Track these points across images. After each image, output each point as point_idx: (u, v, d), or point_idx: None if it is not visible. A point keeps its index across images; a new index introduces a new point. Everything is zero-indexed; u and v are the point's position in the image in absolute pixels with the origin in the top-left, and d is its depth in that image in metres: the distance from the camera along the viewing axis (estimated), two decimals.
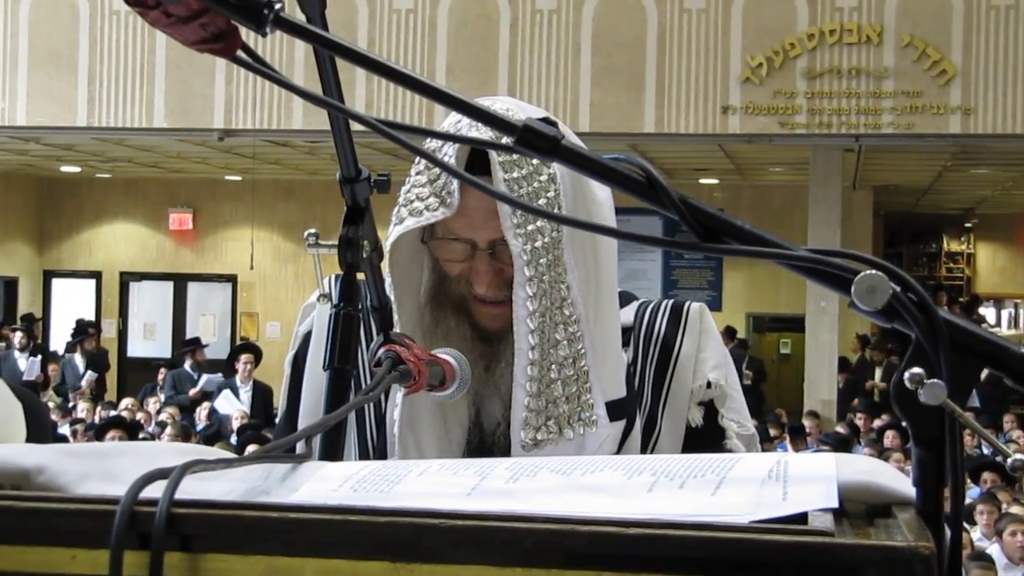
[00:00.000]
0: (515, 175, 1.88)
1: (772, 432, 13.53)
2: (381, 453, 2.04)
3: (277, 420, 2.25)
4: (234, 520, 0.98)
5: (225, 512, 0.99)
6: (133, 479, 1.00)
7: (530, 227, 1.89)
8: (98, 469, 1.12)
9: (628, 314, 2.13)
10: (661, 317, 2.14)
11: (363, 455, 2.08)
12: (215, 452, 1.22)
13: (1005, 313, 26.29)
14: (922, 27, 13.89)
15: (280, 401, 2.24)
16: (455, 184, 1.90)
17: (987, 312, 24.69)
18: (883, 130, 14.05)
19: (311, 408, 2.10)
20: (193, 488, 1.02)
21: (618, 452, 2.00)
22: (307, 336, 2.17)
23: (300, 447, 1.25)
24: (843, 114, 14.06)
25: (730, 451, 2.08)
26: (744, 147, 15.56)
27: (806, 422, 14.41)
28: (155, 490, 0.98)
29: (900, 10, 13.95)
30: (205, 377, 16.39)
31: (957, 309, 22.01)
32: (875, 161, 16.84)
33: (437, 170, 1.93)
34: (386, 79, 1.16)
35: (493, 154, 1.89)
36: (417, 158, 1.95)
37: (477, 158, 1.90)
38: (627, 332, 2.10)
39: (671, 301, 2.18)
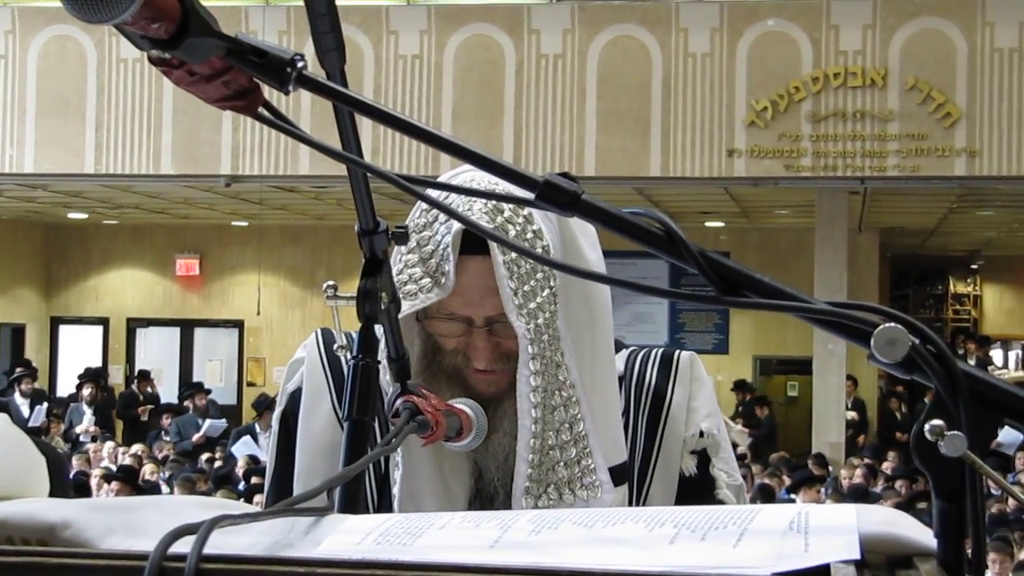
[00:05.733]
0: (513, 255, 1.89)
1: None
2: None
3: (266, 478, 2.22)
4: (262, 575, 0.99)
5: (253, 567, 0.99)
6: (158, 533, 1.00)
7: (531, 305, 1.90)
8: (123, 523, 1.13)
9: (618, 363, 2.12)
10: (652, 367, 2.15)
11: None
12: (239, 506, 1.22)
13: (1012, 355, 26.22)
14: (926, 70, 13.95)
15: (268, 458, 2.21)
16: (450, 264, 1.90)
17: (995, 354, 24.63)
18: (888, 172, 14.08)
19: (307, 468, 2.06)
20: (218, 542, 1.02)
21: None
22: (295, 393, 2.14)
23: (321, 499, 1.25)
24: (848, 157, 14.10)
25: (721, 501, 2.10)
26: (750, 190, 15.59)
27: (812, 466, 14.33)
28: (182, 545, 0.99)
29: (904, 53, 14.01)
30: (208, 422, 16.39)
31: (972, 345, 22.00)
32: (881, 203, 16.87)
33: (429, 248, 1.93)
34: (415, 139, 1.17)
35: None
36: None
37: (475, 237, 1.90)
38: (618, 381, 2.11)
39: (661, 350, 2.18)
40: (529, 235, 1.91)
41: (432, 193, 1.54)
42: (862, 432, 18.21)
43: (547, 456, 1.94)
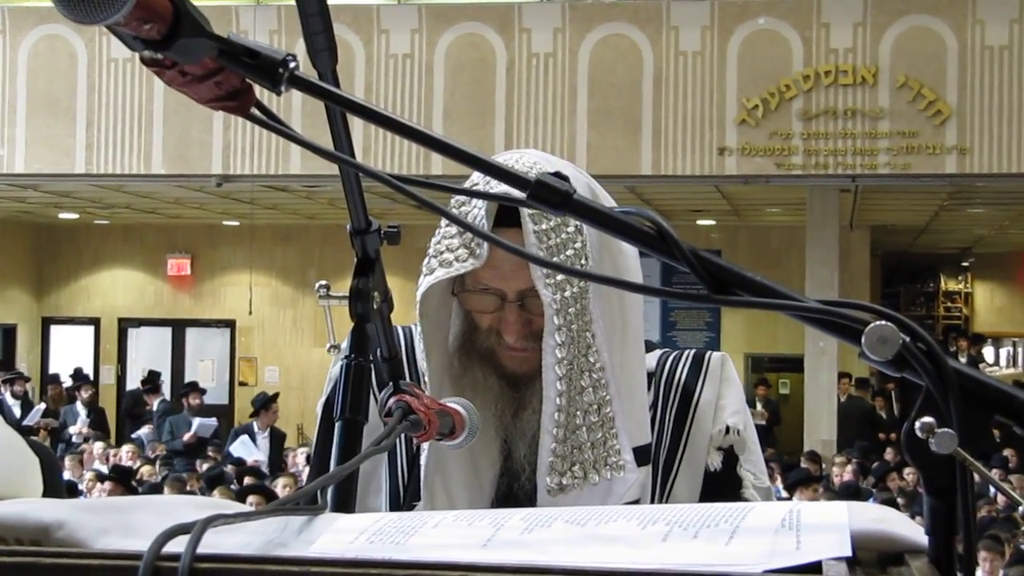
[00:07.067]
0: (544, 227, 1.93)
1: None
2: (414, 495, 2.06)
3: (308, 465, 2.26)
4: (256, 574, 0.99)
5: (247, 566, 0.99)
6: (151, 533, 1.00)
7: (559, 277, 1.94)
8: (117, 523, 1.13)
9: (650, 360, 2.16)
10: (683, 365, 2.18)
11: (394, 497, 2.11)
12: (232, 505, 1.22)
13: (1004, 352, 26.25)
14: (917, 68, 13.96)
15: (312, 445, 2.24)
16: None
17: (986, 351, 24.66)
18: (879, 170, 14.09)
19: None
20: (211, 542, 1.02)
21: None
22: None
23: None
24: (839, 155, 14.11)
25: (747, 501, 2.10)
26: (741, 188, 15.60)
27: (805, 463, 14.34)
28: (176, 545, 0.99)
29: (895, 51, 14.02)
30: (198, 421, 16.37)
31: (964, 343, 22.05)
32: (871, 201, 16.88)
33: (467, 220, 1.96)
34: (408, 139, 1.18)
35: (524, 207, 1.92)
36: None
37: (507, 209, 1.94)
38: (648, 377, 2.13)
39: (693, 350, 2.22)
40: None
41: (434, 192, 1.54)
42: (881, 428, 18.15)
43: (573, 435, 1.97)
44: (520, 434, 2.02)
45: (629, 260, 2.03)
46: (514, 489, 2.04)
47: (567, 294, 1.93)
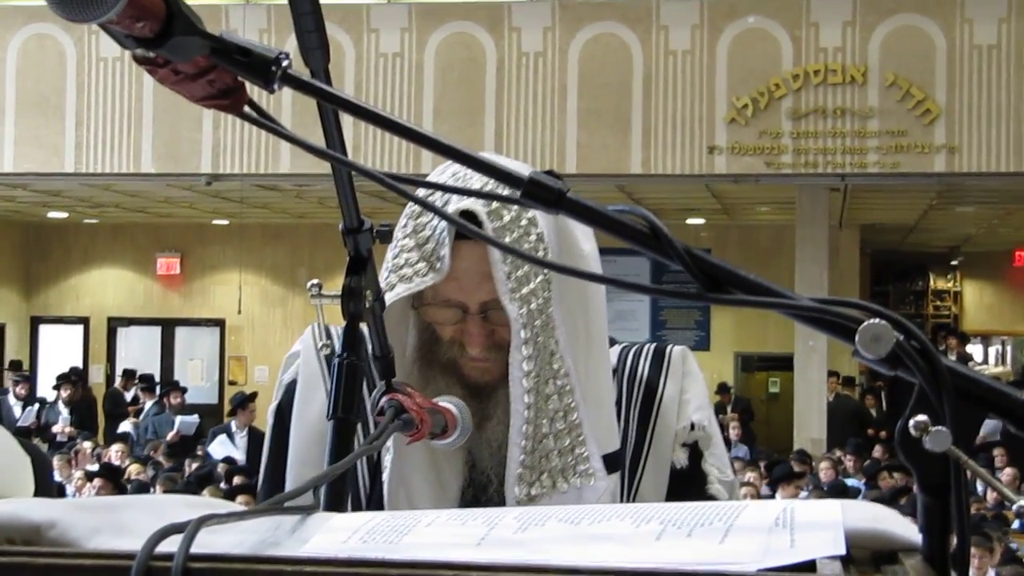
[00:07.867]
0: (507, 239, 1.90)
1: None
2: (377, 506, 2.02)
3: (261, 470, 2.23)
4: (249, 574, 0.99)
5: (240, 566, 0.99)
6: (144, 532, 1.00)
7: (524, 290, 1.91)
8: (109, 523, 1.12)
9: (611, 357, 2.13)
10: (644, 359, 2.15)
11: (356, 509, 2.05)
12: (224, 504, 1.22)
13: (992, 350, 26.30)
14: (906, 67, 13.98)
15: (264, 451, 2.22)
16: (445, 248, 1.91)
17: (974, 349, 24.70)
18: (869, 169, 14.12)
19: (300, 457, 2.08)
20: (203, 541, 1.02)
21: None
22: (291, 385, 2.15)
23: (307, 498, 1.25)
24: (829, 153, 14.13)
25: (712, 496, 2.09)
26: (730, 187, 15.61)
27: (794, 463, 14.33)
28: (169, 544, 0.99)
29: (884, 50, 14.04)
30: (179, 420, 16.36)
31: (952, 341, 22.06)
32: (861, 200, 16.90)
33: (425, 233, 1.94)
34: (403, 138, 1.17)
35: (485, 220, 1.90)
36: (403, 222, 1.97)
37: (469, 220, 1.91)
38: (611, 373, 2.11)
39: (654, 344, 2.19)
40: (524, 222, 1.92)
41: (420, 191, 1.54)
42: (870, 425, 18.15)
43: (540, 444, 1.94)
44: (484, 444, 1.99)
45: (591, 264, 2.00)
46: (481, 501, 2.01)
47: (532, 306, 1.91)
